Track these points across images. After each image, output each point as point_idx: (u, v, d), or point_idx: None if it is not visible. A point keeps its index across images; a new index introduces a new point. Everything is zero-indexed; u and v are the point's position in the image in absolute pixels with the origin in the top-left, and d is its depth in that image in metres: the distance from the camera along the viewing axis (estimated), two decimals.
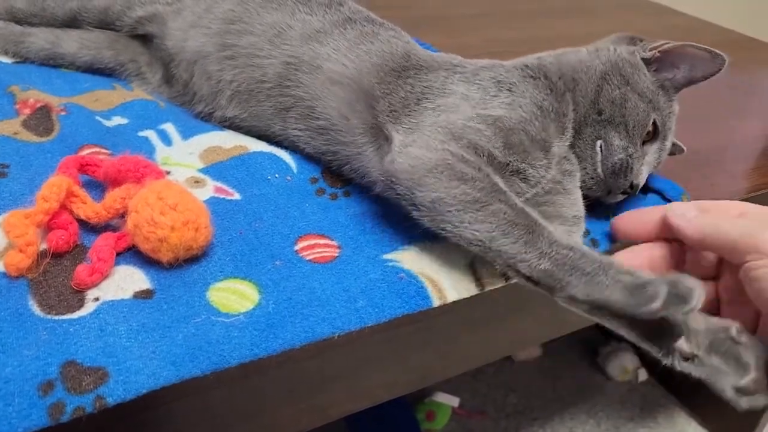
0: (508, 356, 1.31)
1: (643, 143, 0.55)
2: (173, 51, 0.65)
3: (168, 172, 0.56)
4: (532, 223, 0.45)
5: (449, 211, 0.46)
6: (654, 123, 0.55)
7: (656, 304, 0.39)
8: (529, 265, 0.44)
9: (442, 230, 0.47)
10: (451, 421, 1.17)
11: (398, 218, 0.51)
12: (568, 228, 0.53)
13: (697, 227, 0.45)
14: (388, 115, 0.54)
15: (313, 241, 0.51)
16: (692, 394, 1.30)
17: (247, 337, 0.41)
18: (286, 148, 0.61)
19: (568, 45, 0.64)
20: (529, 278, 0.44)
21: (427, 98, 0.54)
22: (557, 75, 0.56)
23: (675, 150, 0.63)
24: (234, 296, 0.44)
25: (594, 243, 0.56)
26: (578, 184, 0.55)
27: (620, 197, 0.57)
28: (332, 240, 0.51)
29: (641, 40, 0.59)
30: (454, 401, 1.16)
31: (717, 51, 0.53)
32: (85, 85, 0.68)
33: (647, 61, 0.57)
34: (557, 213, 0.53)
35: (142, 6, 0.68)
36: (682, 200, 0.61)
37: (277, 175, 0.58)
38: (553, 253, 0.43)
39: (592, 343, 1.41)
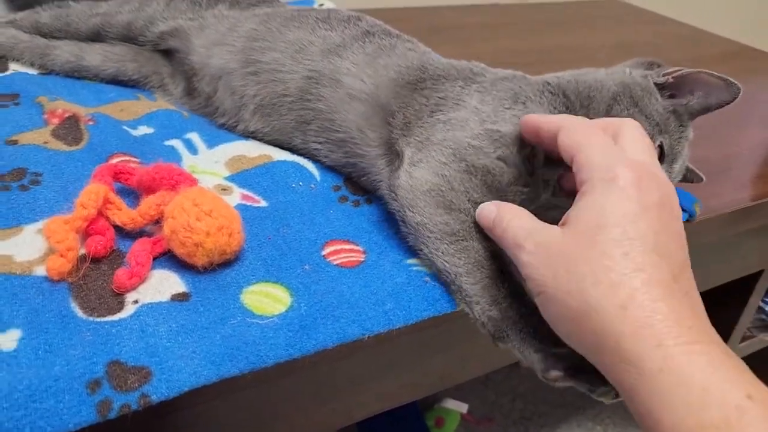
0: (516, 363, 1.32)
1: None
2: (197, 66, 0.67)
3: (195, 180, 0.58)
4: (497, 269, 0.47)
5: (429, 237, 0.49)
6: (660, 146, 0.56)
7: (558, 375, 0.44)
8: (480, 308, 0.46)
9: (420, 251, 0.50)
10: (460, 427, 1.18)
11: None
12: None
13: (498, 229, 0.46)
14: (401, 129, 0.56)
15: (339, 246, 0.52)
16: None
17: (282, 338, 0.43)
18: (307, 158, 0.63)
19: (575, 55, 0.66)
20: (478, 319, 0.47)
21: (440, 110, 0.56)
22: (574, 93, 0.57)
23: (693, 177, 0.63)
24: (267, 299, 0.46)
25: None
26: None
27: None
28: (357, 245, 0.53)
29: (659, 66, 0.61)
30: (462, 407, 1.18)
31: (732, 80, 0.54)
32: (110, 96, 0.70)
33: (661, 86, 0.58)
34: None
35: (164, 21, 0.70)
36: (694, 209, 0.63)
37: (301, 183, 0.59)
38: (505, 305, 0.46)
39: None
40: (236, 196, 0.57)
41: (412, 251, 0.53)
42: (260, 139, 0.64)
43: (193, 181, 0.51)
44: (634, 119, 0.55)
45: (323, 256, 0.51)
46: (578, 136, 0.44)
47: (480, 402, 1.25)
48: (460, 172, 0.51)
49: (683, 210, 0.63)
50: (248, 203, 0.56)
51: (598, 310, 0.37)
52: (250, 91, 0.63)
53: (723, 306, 0.99)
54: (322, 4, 1.05)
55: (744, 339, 1.05)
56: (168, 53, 0.72)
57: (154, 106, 0.69)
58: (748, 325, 1.06)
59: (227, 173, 0.60)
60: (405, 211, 0.51)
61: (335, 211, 0.57)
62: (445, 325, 0.50)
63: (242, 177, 0.59)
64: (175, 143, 0.63)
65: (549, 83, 0.58)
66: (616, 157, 0.42)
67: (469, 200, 0.50)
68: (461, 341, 0.55)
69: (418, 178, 0.51)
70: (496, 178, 0.52)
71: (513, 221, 0.45)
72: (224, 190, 0.57)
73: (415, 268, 0.51)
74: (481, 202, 0.50)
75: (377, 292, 0.48)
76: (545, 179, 0.54)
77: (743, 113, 0.99)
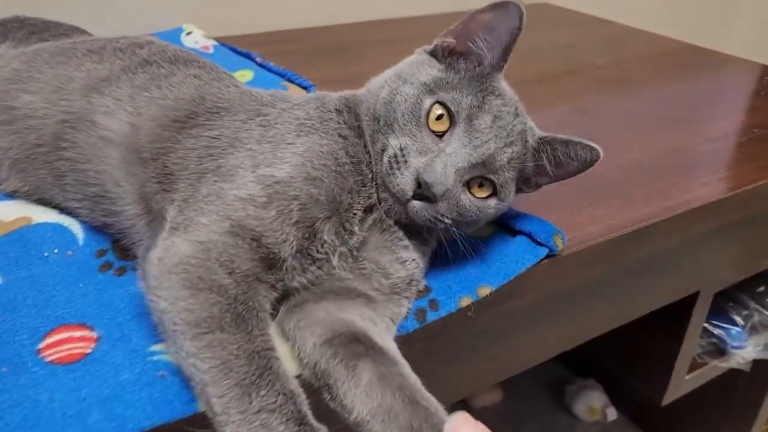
0: (463, 401, 1.20)
1: (441, 136, 0.45)
2: None
3: None
4: (253, 372, 0.36)
5: (174, 331, 0.37)
6: (444, 105, 0.44)
7: None
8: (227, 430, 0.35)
9: (170, 352, 0.39)
10: None
11: None
12: (387, 299, 0.44)
13: None
14: (160, 181, 0.45)
15: (66, 335, 0.41)
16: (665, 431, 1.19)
17: None
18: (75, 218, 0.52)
19: None
20: None
21: (211, 155, 0.45)
22: (365, 105, 0.48)
23: (585, 154, 0.47)
24: None
25: (433, 305, 0.46)
26: (403, 240, 0.46)
27: (420, 210, 0.44)
28: (93, 330, 0.42)
29: None
30: None
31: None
32: None
33: (447, 53, 0.48)
34: (369, 284, 0.44)
35: None
36: (554, 241, 0.52)
37: (56, 251, 0.49)
38: (257, 422, 0.34)
39: (556, 382, 1.30)
40: None
41: None
42: (24, 199, 0.54)
43: None
44: (396, 92, 0.46)
45: (38, 350, 0.40)
46: None
47: None
48: (223, 234, 0.40)
49: (540, 244, 0.51)
50: None
51: None
52: (4, 144, 0.52)
53: (663, 335, 0.87)
54: (190, 32, 0.95)
55: (694, 368, 0.92)
56: None
57: None
58: (697, 352, 0.93)
59: None
60: (150, 296, 0.39)
61: (88, 283, 0.46)
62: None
63: None
64: None
65: (345, 98, 0.49)
66: None
67: (231, 273, 0.39)
68: None
69: (169, 249, 0.40)
70: (269, 243, 0.41)
71: None
72: None
73: (156, 357, 0.40)
74: (253, 276, 0.39)
75: (86, 398, 0.37)
76: (340, 247, 0.44)
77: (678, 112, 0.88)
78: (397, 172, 0.44)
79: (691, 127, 0.81)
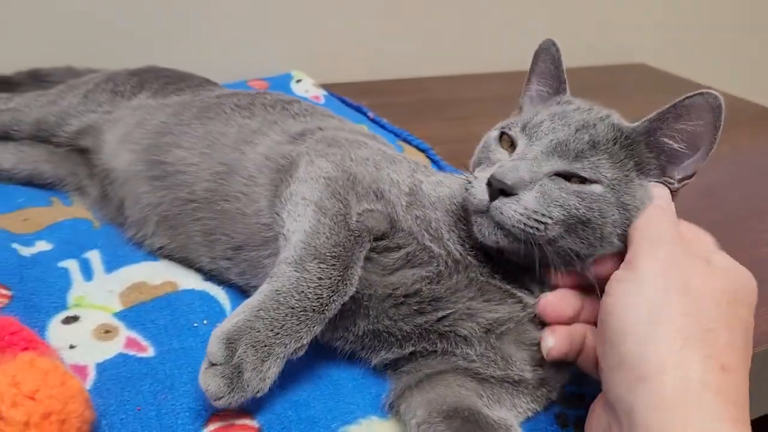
0: None
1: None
2: (108, 167, 0.57)
3: (75, 318, 0.47)
4: None
5: None
6: (506, 133, 0.45)
7: None
8: None
9: None
10: None
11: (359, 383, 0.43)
12: (499, 384, 0.43)
13: None
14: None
15: (228, 422, 0.40)
16: None
17: None
18: (221, 283, 0.51)
19: None
20: None
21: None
22: None
23: (702, 102, 0.41)
24: None
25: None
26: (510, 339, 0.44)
27: (507, 208, 0.39)
28: (253, 419, 0.40)
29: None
30: None
31: None
32: (19, 201, 0.60)
33: None
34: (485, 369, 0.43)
35: (79, 116, 0.61)
36: None
37: (205, 321, 0.48)
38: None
39: None
40: (120, 341, 0.46)
41: (341, 418, 0.40)
42: (168, 258, 0.53)
43: (31, 343, 0.40)
44: None
45: None
46: None
47: None
48: None
49: None
50: (131, 352, 0.45)
51: None
52: (154, 200, 0.53)
53: None
54: (299, 80, 0.96)
55: None
56: (86, 152, 0.62)
57: (63, 214, 0.59)
58: None
59: (119, 308, 0.49)
60: None
61: None
62: None
63: (136, 313, 0.48)
64: (70, 264, 0.53)
65: None
66: None
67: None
68: None
69: None
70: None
71: None
72: (108, 332, 0.46)
73: None
74: None
75: None
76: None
77: None
78: (471, 189, 0.42)
79: None
